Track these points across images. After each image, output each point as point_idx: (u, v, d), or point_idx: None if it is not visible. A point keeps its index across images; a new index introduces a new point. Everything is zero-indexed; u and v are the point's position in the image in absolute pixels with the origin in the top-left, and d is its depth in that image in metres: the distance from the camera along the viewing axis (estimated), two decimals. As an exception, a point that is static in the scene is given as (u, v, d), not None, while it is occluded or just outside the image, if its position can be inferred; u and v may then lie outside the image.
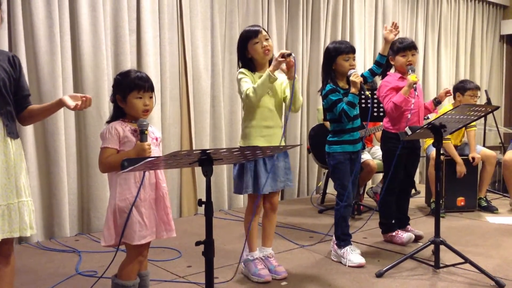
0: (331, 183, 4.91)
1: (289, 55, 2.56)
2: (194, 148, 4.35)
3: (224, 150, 1.64)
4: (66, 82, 3.66)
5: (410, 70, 3.21)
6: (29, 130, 3.51)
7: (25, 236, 2.46)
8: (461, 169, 4.24)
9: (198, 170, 4.37)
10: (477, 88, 4.37)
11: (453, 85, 4.53)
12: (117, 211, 2.02)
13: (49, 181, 3.62)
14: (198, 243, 1.80)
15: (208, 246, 1.80)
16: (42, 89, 3.53)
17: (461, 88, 4.32)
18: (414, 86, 3.16)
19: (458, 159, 4.25)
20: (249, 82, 2.60)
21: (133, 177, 2.02)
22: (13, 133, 1.99)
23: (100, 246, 3.38)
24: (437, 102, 3.44)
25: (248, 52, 2.67)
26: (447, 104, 4.69)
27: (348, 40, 5.43)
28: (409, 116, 3.23)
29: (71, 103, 1.96)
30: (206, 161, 1.72)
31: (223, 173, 4.55)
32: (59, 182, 3.61)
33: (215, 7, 4.47)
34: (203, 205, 1.80)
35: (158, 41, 4.14)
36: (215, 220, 4.03)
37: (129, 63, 3.93)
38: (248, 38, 2.65)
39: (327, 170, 4.66)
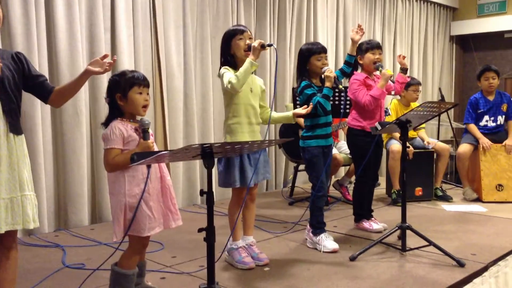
0: (299, 177, 5.17)
1: (270, 45, 2.74)
2: (168, 144, 4.46)
3: (228, 144, 1.80)
4: (43, 79, 3.69)
5: (380, 67, 3.46)
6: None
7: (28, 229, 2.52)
8: (410, 150, 4.62)
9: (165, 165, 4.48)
10: (419, 84, 4.82)
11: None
12: (127, 207, 2.11)
13: (27, 178, 3.64)
14: (200, 230, 1.96)
15: (209, 233, 1.96)
16: (19, 86, 3.55)
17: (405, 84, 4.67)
18: (392, 78, 3.41)
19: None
20: (231, 73, 2.72)
21: (140, 173, 2.12)
22: (16, 130, 2.07)
23: (83, 240, 3.51)
24: (404, 70, 3.60)
25: (231, 48, 2.81)
26: (393, 99, 4.99)
27: (312, 39, 5.68)
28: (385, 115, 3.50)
29: (98, 69, 2.14)
30: (208, 154, 1.88)
31: (196, 168, 4.69)
32: (36, 179, 3.63)
33: (187, 7, 4.59)
34: (204, 195, 1.97)
35: (132, 39, 4.22)
36: (189, 214, 4.21)
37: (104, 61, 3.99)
38: (233, 35, 2.80)
39: (296, 164, 4.88)
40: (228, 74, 2.72)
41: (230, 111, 2.82)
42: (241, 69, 2.68)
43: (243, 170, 2.76)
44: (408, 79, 3.68)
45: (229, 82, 2.66)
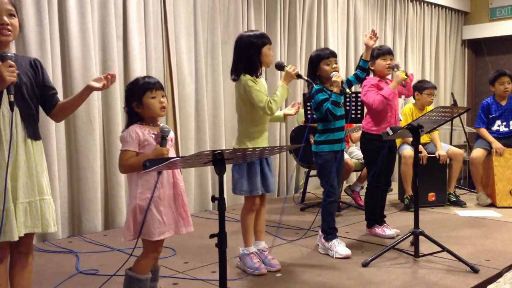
0: (311, 182, 5.17)
1: (308, 81, 3.01)
2: (180, 150, 4.49)
3: (238, 151, 1.81)
4: (56, 87, 3.62)
5: (395, 68, 3.45)
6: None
7: (46, 233, 2.55)
8: (423, 155, 4.60)
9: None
10: (434, 87, 4.74)
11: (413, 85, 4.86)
12: (137, 210, 2.15)
13: (41, 184, 3.68)
14: (212, 236, 1.97)
15: (221, 238, 1.97)
16: (33, 94, 3.61)
17: (419, 87, 4.65)
18: (403, 82, 3.40)
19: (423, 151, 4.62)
20: (261, 91, 2.77)
21: (153, 178, 2.15)
22: (34, 135, 2.10)
23: (96, 246, 3.54)
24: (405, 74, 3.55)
25: (261, 54, 2.83)
26: (408, 104, 4.93)
27: (322, 45, 5.69)
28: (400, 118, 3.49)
29: (98, 85, 2.13)
30: (219, 160, 1.88)
31: (208, 174, 4.71)
32: (50, 185, 3.62)
33: (198, 14, 4.62)
34: (216, 201, 1.98)
35: (144, 47, 4.26)
36: (201, 219, 4.23)
37: (116, 69, 4.04)
38: (265, 44, 2.84)
39: (307, 170, 4.88)
40: (261, 93, 2.76)
41: (250, 119, 2.85)
42: (278, 94, 2.80)
43: (265, 177, 2.82)
44: (411, 76, 3.65)
45: (270, 107, 2.74)
